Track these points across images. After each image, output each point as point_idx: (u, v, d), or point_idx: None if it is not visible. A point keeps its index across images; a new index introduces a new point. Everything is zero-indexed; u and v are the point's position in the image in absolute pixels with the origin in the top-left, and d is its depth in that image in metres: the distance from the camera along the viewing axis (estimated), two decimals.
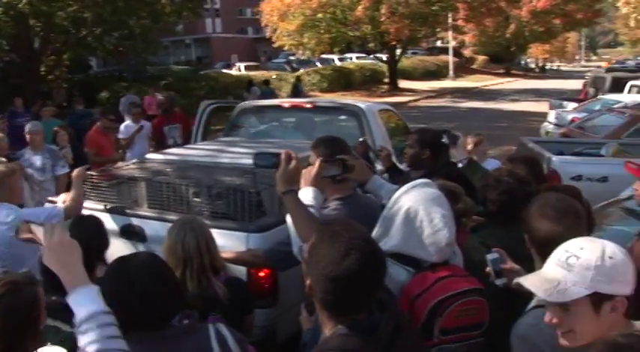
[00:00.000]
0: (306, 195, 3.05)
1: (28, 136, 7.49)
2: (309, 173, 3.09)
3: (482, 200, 3.43)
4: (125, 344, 1.97)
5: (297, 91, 25.98)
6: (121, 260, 2.41)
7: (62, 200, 4.68)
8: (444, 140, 4.38)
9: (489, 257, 2.56)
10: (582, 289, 1.88)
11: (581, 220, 2.64)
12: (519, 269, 2.56)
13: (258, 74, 32.47)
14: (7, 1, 18.91)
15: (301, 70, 37.15)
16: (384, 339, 2.04)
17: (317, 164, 3.10)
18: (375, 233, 2.82)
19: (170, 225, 4.46)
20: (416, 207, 2.74)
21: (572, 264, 1.91)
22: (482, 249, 2.91)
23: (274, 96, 22.99)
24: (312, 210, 2.95)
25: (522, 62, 79.16)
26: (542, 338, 2.17)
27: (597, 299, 1.87)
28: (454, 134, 4.38)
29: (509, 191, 3.33)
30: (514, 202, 3.25)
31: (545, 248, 2.08)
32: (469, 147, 6.33)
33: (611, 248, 1.91)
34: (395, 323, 2.12)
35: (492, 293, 2.71)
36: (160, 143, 9.70)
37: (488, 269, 2.53)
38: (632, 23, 29.98)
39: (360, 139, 5.24)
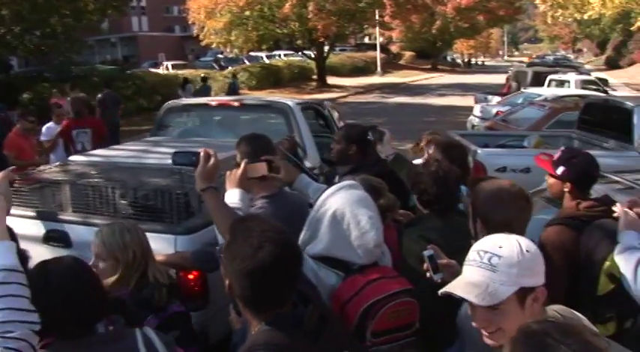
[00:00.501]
0: (233, 196, 3.06)
1: None
2: (234, 175, 3.12)
3: (418, 192, 3.40)
4: (26, 304, 2.01)
5: (233, 88, 25.70)
6: (42, 264, 2.35)
7: None
8: (370, 136, 4.41)
9: (425, 254, 2.58)
10: (510, 287, 1.89)
11: (531, 204, 2.74)
12: (455, 263, 2.60)
13: (186, 73, 31.94)
14: None
15: (229, 68, 36.83)
16: (309, 331, 2.05)
17: (242, 166, 3.12)
18: (302, 236, 2.83)
19: (98, 229, 4.40)
20: (342, 210, 2.74)
21: (495, 264, 1.91)
22: (422, 243, 2.90)
23: (210, 94, 22.78)
24: (238, 211, 2.94)
25: (449, 58, 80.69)
26: None
27: (522, 294, 1.90)
28: (380, 130, 4.42)
29: (445, 182, 3.32)
30: (450, 192, 3.31)
31: (502, 232, 2.10)
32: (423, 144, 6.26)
33: (524, 241, 1.95)
34: (319, 314, 2.14)
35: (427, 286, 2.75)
36: (67, 148, 9.13)
37: (425, 265, 2.55)
38: (549, 20, 30.87)
39: (288, 136, 5.24)
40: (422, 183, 3.34)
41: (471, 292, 1.91)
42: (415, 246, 3.03)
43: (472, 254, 1.99)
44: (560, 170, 3.14)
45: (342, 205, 2.76)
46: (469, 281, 1.94)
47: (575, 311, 2.06)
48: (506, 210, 2.63)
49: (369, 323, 2.60)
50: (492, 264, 1.91)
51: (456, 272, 2.41)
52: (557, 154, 3.25)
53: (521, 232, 2.38)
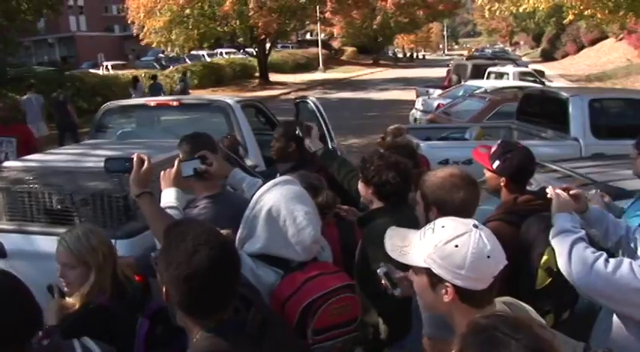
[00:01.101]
0: (169, 196, 3.01)
1: None
2: (168, 174, 3.07)
3: (378, 184, 3.24)
4: None
5: (183, 88, 25.32)
6: None
7: None
8: (297, 132, 4.39)
9: (380, 271, 2.57)
10: (420, 260, 1.94)
11: (479, 189, 2.76)
12: (407, 276, 2.60)
13: (127, 73, 31.44)
14: None
15: (171, 68, 36.43)
16: (252, 336, 2.01)
17: (175, 164, 3.09)
18: (239, 234, 2.79)
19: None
20: (278, 206, 2.72)
21: (425, 235, 1.96)
22: None
23: (163, 91, 22.47)
24: (175, 211, 2.91)
25: (390, 52, 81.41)
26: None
27: (433, 278, 1.92)
28: (308, 124, 4.40)
29: (407, 174, 3.27)
30: (410, 184, 3.27)
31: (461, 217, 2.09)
32: (388, 139, 6.25)
33: (474, 241, 1.89)
34: (262, 318, 2.10)
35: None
36: None
37: (383, 282, 2.53)
38: (487, 14, 31.45)
39: (228, 134, 5.19)
40: (383, 174, 3.23)
41: (394, 240, 2.07)
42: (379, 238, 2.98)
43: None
44: (496, 164, 3.15)
45: (277, 202, 2.73)
46: (406, 235, 2.06)
47: (522, 303, 2.08)
48: (461, 194, 2.65)
49: (309, 321, 2.58)
50: (425, 234, 1.97)
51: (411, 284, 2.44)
52: (493, 148, 3.26)
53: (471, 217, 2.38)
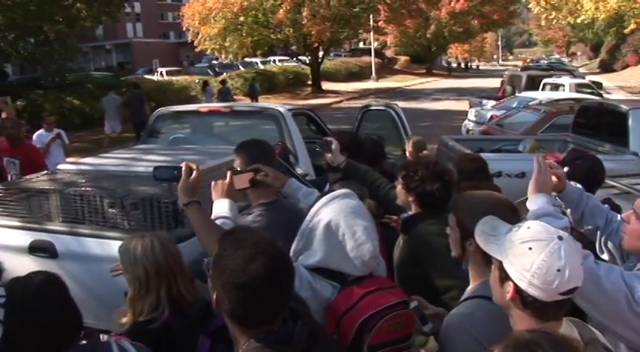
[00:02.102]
0: (221, 207, 2.98)
1: None
2: (220, 186, 3.04)
3: (422, 193, 3.29)
4: None
5: (225, 95, 25.69)
6: (12, 285, 2.27)
7: None
8: (317, 149, 4.38)
9: (412, 305, 2.51)
10: (497, 252, 1.98)
11: (520, 217, 2.61)
12: (442, 311, 2.54)
13: (181, 79, 31.97)
14: None
15: (224, 74, 36.87)
16: (300, 349, 1.97)
17: (227, 177, 3.04)
18: (294, 246, 2.77)
19: (83, 238, 4.33)
20: (337, 220, 2.68)
21: (512, 231, 1.98)
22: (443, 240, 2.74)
23: (232, 95, 22.92)
24: (227, 221, 2.87)
25: (444, 62, 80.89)
26: (477, 328, 2.17)
27: (502, 272, 1.95)
28: (326, 140, 4.35)
29: (450, 185, 3.33)
30: (451, 194, 3.29)
31: None
32: (410, 149, 6.21)
33: (550, 250, 1.85)
34: (310, 331, 2.06)
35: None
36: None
37: (416, 322, 2.48)
38: (543, 23, 31.03)
39: (279, 142, 5.18)
40: (427, 185, 3.29)
41: (486, 228, 2.08)
42: (444, 240, 2.80)
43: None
44: (565, 170, 3.06)
45: (336, 215, 2.70)
46: (498, 225, 2.08)
47: (590, 327, 2.02)
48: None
49: (366, 337, 2.55)
50: (512, 229, 1.99)
51: (442, 319, 2.41)
52: (562, 155, 3.19)
53: None
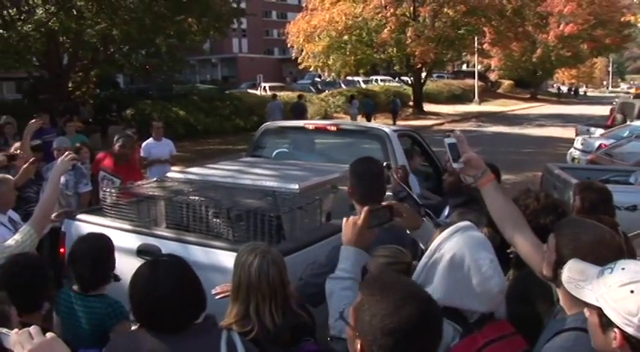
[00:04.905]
0: (345, 261, 2.80)
1: (55, 152, 7.30)
2: (354, 223, 2.80)
3: (534, 228, 2.99)
4: None
5: (298, 109, 25.77)
6: (150, 264, 2.68)
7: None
8: (387, 173, 4.26)
9: (447, 141, 2.48)
10: (593, 298, 1.87)
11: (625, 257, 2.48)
12: (476, 157, 2.63)
13: (283, 95, 32.56)
14: (38, 18, 19.23)
15: (326, 92, 37.24)
16: None
17: (363, 214, 2.80)
18: None
19: (188, 245, 4.41)
20: (461, 254, 2.52)
21: (604, 274, 1.88)
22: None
23: (305, 110, 23.50)
24: (349, 282, 2.71)
25: (556, 88, 78.69)
26: None
27: (604, 318, 1.84)
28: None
29: (564, 217, 3.13)
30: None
31: None
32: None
33: None
34: None
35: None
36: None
37: (447, 155, 2.51)
38: None
39: (392, 164, 5.13)
40: (541, 218, 3.21)
41: (571, 272, 2.00)
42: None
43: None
44: None
45: (460, 249, 2.54)
46: (584, 269, 1.99)
47: None
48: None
49: None
50: (603, 272, 1.89)
51: (477, 166, 2.64)
52: None
53: None
